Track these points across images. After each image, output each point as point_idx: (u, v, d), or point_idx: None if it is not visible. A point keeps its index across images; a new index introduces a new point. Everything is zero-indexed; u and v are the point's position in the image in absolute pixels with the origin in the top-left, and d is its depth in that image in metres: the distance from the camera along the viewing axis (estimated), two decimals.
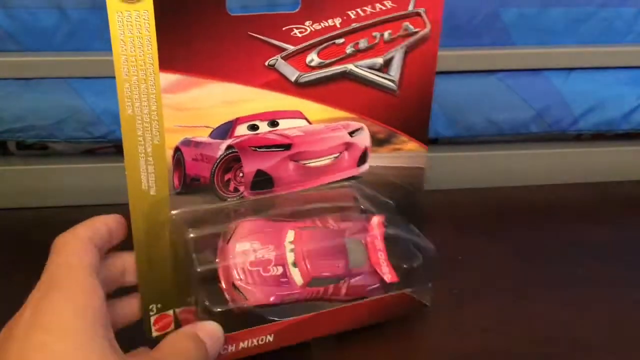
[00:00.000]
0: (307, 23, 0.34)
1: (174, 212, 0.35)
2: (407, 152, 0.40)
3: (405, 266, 0.36)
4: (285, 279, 0.34)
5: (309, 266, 0.34)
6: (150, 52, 0.31)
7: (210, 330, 0.32)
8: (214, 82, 0.33)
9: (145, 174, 0.33)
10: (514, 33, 0.53)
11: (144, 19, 0.30)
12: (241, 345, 0.34)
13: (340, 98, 0.37)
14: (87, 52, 0.49)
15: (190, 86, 0.33)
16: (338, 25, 0.35)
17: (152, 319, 0.36)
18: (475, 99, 0.54)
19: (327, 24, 0.35)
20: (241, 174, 0.36)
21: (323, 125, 0.37)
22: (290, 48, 0.34)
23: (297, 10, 0.34)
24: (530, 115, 0.55)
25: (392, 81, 0.37)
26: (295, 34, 0.34)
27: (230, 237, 0.35)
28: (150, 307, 0.36)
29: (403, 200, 0.40)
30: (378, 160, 0.39)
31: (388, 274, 0.35)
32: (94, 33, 0.48)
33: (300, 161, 0.37)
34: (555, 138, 0.59)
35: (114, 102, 0.48)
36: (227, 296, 0.33)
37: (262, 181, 0.37)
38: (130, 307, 0.35)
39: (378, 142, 0.39)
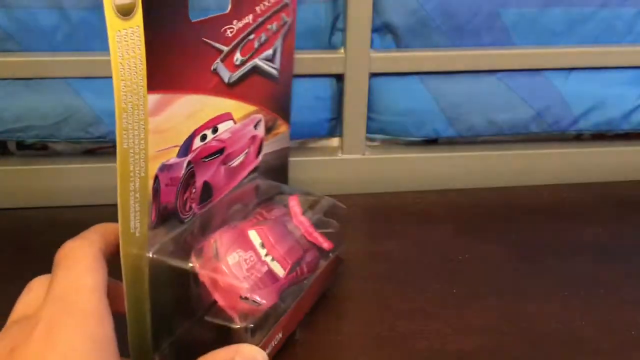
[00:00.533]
0: (234, 22, 0.34)
1: (150, 255, 0.31)
2: (281, 134, 0.42)
3: (327, 231, 0.39)
4: (272, 274, 0.35)
5: (284, 256, 0.36)
6: (142, 73, 0.27)
7: (249, 355, 0.28)
8: (181, 95, 0.31)
9: (133, 214, 0.29)
10: (514, 33, 0.53)
11: (136, 36, 0.26)
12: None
13: (250, 93, 0.38)
14: (87, 52, 0.49)
15: (165, 105, 0.30)
16: (251, 22, 0.36)
17: None
18: (475, 99, 0.54)
19: (245, 21, 0.35)
20: (194, 190, 0.35)
21: (240, 123, 0.38)
22: (225, 49, 0.34)
23: (227, 10, 0.34)
24: (530, 115, 0.55)
25: (276, 69, 0.40)
26: (227, 34, 0.34)
27: (217, 254, 0.34)
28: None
29: (278, 177, 0.43)
30: (265, 148, 0.41)
31: (324, 242, 0.38)
32: (94, 33, 0.48)
33: (227, 163, 0.37)
34: (555, 138, 0.59)
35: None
36: (230, 313, 0.33)
37: (206, 192, 0.36)
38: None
39: (267, 129, 0.41)
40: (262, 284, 0.34)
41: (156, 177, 0.31)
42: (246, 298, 0.33)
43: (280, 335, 0.35)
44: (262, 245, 0.35)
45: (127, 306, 0.30)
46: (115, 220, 0.29)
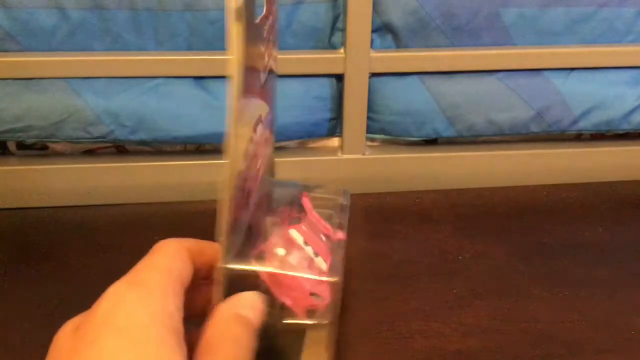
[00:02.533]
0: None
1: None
2: None
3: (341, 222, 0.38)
4: (321, 270, 0.35)
5: (324, 251, 0.36)
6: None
7: (249, 302, 0.30)
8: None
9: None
10: (514, 33, 0.53)
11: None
12: None
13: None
14: (87, 52, 0.49)
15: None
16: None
17: None
18: (475, 99, 0.54)
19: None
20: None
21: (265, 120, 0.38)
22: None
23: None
24: (530, 115, 0.55)
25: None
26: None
27: (278, 255, 0.34)
28: None
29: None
30: None
31: (339, 233, 0.37)
32: (94, 33, 0.48)
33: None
34: (555, 138, 0.59)
35: (114, 102, 0.48)
36: (296, 312, 0.33)
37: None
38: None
39: None
40: (322, 275, 0.34)
41: None
42: (315, 294, 0.33)
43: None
44: (305, 243, 0.35)
45: None
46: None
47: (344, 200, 0.40)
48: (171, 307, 0.26)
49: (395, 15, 0.50)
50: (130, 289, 0.26)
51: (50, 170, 0.52)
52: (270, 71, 0.36)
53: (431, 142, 0.58)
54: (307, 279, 0.33)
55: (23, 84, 0.49)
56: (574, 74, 0.55)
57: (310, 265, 0.34)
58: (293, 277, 0.32)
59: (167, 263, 0.28)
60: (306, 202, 0.38)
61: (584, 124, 0.56)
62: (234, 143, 0.27)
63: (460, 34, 0.52)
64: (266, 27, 0.33)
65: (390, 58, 0.52)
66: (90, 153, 0.55)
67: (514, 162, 0.57)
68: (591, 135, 0.60)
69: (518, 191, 0.57)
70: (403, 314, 0.40)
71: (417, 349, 0.37)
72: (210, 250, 0.30)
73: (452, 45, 0.53)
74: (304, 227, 0.36)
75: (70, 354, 0.25)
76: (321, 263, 0.35)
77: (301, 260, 0.34)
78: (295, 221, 0.37)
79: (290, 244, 0.35)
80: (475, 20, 0.52)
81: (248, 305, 0.30)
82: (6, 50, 0.48)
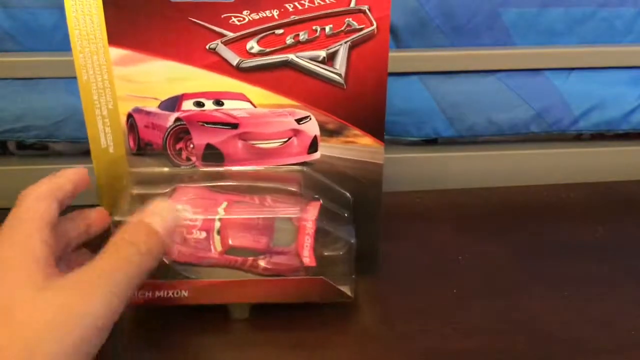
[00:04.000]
0: (244, 12, 0.36)
1: (132, 169, 0.39)
2: (362, 146, 0.40)
3: (326, 254, 0.38)
4: (207, 244, 0.37)
5: (230, 236, 0.37)
6: (100, 29, 0.36)
7: (157, 210, 0.33)
8: (159, 59, 0.37)
9: (104, 134, 0.39)
10: (514, 33, 0.53)
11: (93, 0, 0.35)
12: (157, 293, 0.37)
13: (283, 85, 0.38)
14: None
15: (138, 61, 0.37)
16: (276, 17, 0.37)
17: None
18: (475, 99, 0.54)
19: (264, 15, 0.37)
20: (191, 145, 0.39)
21: (268, 110, 0.39)
22: (230, 34, 0.37)
23: (233, 0, 0.36)
24: (530, 115, 0.55)
25: (338, 74, 0.38)
26: (233, 21, 0.36)
27: (167, 198, 0.38)
28: None
29: (359, 193, 0.41)
30: (331, 150, 0.40)
31: (307, 258, 0.37)
32: None
33: (249, 141, 0.40)
34: (555, 138, 0.59)
35: None
36: None
37: (213, 155, 0.40)
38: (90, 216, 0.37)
39: (328, 132, 0.40)
40: (183, 242, 0.37)
41: (130, 115, 0.39)
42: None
43: (186, 293, 0.37)
44: (220, 218, 0.37)
45: (101, 204, 0.39)
46: None
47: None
48: (35, 243, 0.30)
49: (395, 15, 0.50)
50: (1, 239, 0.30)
51: (50, 170, 0.52)
52: (293, 65, 0.38)
53: (431, 142, 0.58)
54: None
55: (23, 84, 0.49)
56: (574, 74, 0.55)
57: (187, 227, 0.37)
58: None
59: (32, 214, 0.31)
60: (310, 208, 0.38)
61: (584, 124, 0.56)
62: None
63: (460, 34, 0.52)
64: (247, 16, 0.37)
65: (390, 58, 0.52)
66: (90, 153, 0.55)
67: (514, 162, 0.57)
68: (591, 135, 0.60)
69: (518, 191, 0.56)
70: (403, 314, 0.40)
71: (417, 349, 0.37)
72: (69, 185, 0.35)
73: (452, 45, 0.53)
74: (240, 208, 0.38)
75: None
76: (216, 243, 0.37)
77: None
78: (246, 203, 0.38)
79: (205, 207, 0.38)
80: (475, 20, 0.52)
81: (154, 213, 0.32)
82: (6, 50, 0.48)
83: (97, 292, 0.28)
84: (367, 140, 0.40)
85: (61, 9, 0.47)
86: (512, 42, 0.53)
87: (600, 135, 0.59)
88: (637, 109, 0.56)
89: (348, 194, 0.41)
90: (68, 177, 0.35)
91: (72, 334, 0.27)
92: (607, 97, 0.55)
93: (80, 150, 0.55)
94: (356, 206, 0.41)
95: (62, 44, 0.49)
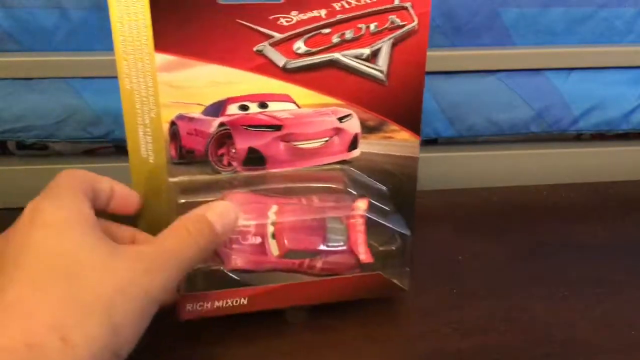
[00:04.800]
0: (292, 13, 0.36)
1: (171, 179, 0.38)
2: (400, 141, 0.41)
3: (381, 248, 0.38)
4: (263, 249, 0.36)
5: (285, 239, 0.37)
6: (146, 34, 0.35)
7: (220, 210, 0.33)
8: (205, 64, 0.37)
9: (145, 144, 0.38)
10: (514, 33, 0.53)
11: (139, 4, 0.35)
12: (216, 304, 0.36)
13: (327, 85, 0.39)
14: (87, 52, 0.49)
15: (183, 67, 0.36)
16: (323, 16, 0.37)
17: None
18: (475, 99, 0.54)
19: (312, 15, 0.37)
20: (234, 150, 0.39)
21: (312, 109, 0.39)
22: (278, 36, 0.37)
23: (282, 0, 0.36)
24: (530, 115, 0.55)
25: (380, 71, 0.39)
26: (281, 22, 0.36)
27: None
28: None
29: (395, 187, 0.42)
30: (369, 146, 0.41)
31: (363, 254, 0.37)
32: (94, 33, 0.48)
33: (291, 142, 0.40)
34: (555, 138, 0.59)
35: (114, 101, 0.48)
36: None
37: (255, 158, 0.39)
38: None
39: (368, 129, 0.40)
40: (240, 249, 0.36)
41: (173, 123, 0.37)
42: (215, 252, 0.36)
43: (245, 301, 0.36)
44: (273, 222, 0.37)
45: (139, 218, 0.37)
46: None
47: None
48: (82, 207, 0.31)
49: None
50: (45, 199, 0.31)
51: (50, 170, 0.52)
52: (338, 64, 0.39)
53: (431, 142, 0.58)
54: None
55: (23, 84, 0.49)
56: (574, 74, 0.55)
57: (242, 233, 0.36)
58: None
59: (70, 181, 0.32)
60: (357, 207, 0.38)
61: (584, 124, 0.56)
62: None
63: (460, 34, 0.52)
64: (295, 16, 0.37)
65: None
66: (90, 153, 0.55)
67: (514, 162, 0.57)
68: (591, 135, 0.60)
69: (518, 191, 0.56)
70: (403, 314, 0.40)
71: (417, 349, 0.37)
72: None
73: (452, 45, 0.53)
74: (290, 210, 0.37)
75: (4, 248, 0.29)
76: (273, 247, 0.37)
77: None
78: (296, 205, 0.38)
79: (254, 211, 0.37)
80: (475, 20, 0.52)
81: (217, 212, 0.33)
82: (6, 50, 0.48)
83: (159, 270, 0.30)
84: (404, 134, 0.41)
85: (61, 9, 0.48)
86: (512, 42, 0.53)
87: (600, 135, 0.59)
88: (637, 109, 0.56)
89: (385, 188, 0.41)
90: (112, 183, 0.35)
91: (137, 304, 0.28)
92: (607, 97, 0.55)
93: (80, 150, 0.55)
94: (392, 200, 0.41)
95: (62, 44, 0.49)
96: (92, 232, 0.29)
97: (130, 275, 0.28)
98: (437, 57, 0.52)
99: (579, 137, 0.60)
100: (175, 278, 0.31)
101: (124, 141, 0.52)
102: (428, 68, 0.53)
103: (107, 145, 0.54)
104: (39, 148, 0.54)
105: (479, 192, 0.56)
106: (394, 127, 0.41)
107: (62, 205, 0.30)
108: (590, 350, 0.38)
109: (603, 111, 0.56)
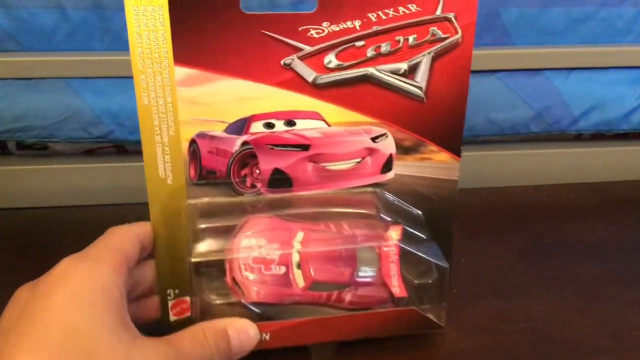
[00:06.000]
0: (324, 24, 0.34)
1: (190, 201, 0.36)
2: (438, 162, 0.38)
3: (417, 282, 0.36)
4: (287, 280, 0.34)
5: (312, 269, 0.34)
6: (165, 47, 0.32)
7: (242, 328, 0.32)
8: (228, 78, 0.34)
9: (162, 163, 0.35)
10: (514, 33, 0.53)
11: (159, 14, 0.32)
12: None
13: (360, 102, 0.36)
14: (87, 52, 0.49)
15: (204, 81, 0.34)
16: (358, 28, 0.34)
17: (170, 304, 0.36)
18: (475, 99, 0.54)
19: (345, 26, 0.34)
20: (258, 171, 0.36)
21: (343, 128, 0.36)
22: (307, 48, 0.34)
23: (314, 10, 0.33)
24: (530, 115, 0.55)
25: (419, 88, 0.36)
26: (312, 34, 0.34)
27: (238, 232, 0.35)
28: (168, 291, 0.36)
29: (431, 212, 0.38)
30: (405, 168, 0.38)
31: (397, 288, 0.34)
32: (94, 33, 0.48)
33: (320, 163, 0.37)
34: (555, 138, 0.59)
35: (114, 102, 0.48)
36: (230, 290, 0.34)
37: (280, 180, 0.37)
38: (152, 304, 0.36)
39: (404, 149, 0.37)
40: (262, 280, 0.34)
41: (193, 141, 0.35)
42: (235, 282, 0.34)
43: (267, 337, 0.34)
44: (298, 250, 0.34)
45: (156, 242, 0.35)
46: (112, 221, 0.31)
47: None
48: (117, 281, 0.29)
49: None
50: (82, 261, 0.29)
51: (50, 170, 0.52)
52: (373, 80, 0.36)
53: None
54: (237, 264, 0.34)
55: (23, 84, 0.49)
56: (574, 74, 0.55)
57: (265, 262, 0.34)
58: (230, 254, 0.34)
59: (117, 244, 0.31)
60: (390, 235, 0.35)
61: (584, 124, 0.56)
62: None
63: None
64: (327, 28, 0.34)
65: None
66: (90, 153, 0.55)
67: (514, 162, 0.57)
68: (591, 135, 0.60)
69: (518, 191, 0.56)
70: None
71: (417, 349, 0.37)
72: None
73: None
74: (317, 239, 0.35)
75: (25, 303, 0.27)
76: (298, 278, 0.34)
77: (255, 249, 0.34)
78: (324, 232, 0.36)
79: (279, 238, 0.35)
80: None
81: (238, 329, 0.32)
82: (6, 50, 0.48)
83: None
84: (443, 156, 0.38)
85: (61, 9, 0.48)
86: (512, 42, 0.53)
87: (600, 135, 0.59)
88: (637, 109, 0.56)
89: (420, 213, 0.38)
90: (149, 226, 0.35)
91: None
92: (607, 97, 0.55)
93: (80, 150, 0.55)
94: (428, 226, 0.38)
95: (62, 44, 0.49)
96: (118, 314, 0.28)
97: None
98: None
99: (579, 137, 0.60)
100: None
101: (124, 141, 0.52)
102: None
103: (107, 145, 0.54)
104: (39, 148, 0.54)
105: (479, 192, 0.56)
106: (433, 147, 0.37)
107: (97, 277, 0.28)
108: (590, 350, 0.38)
109: (603, 111, 0.56)
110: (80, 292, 0.27)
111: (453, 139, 0.38)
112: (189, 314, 0.36)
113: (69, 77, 0.49)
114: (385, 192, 0.38)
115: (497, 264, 0.46)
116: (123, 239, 0.32)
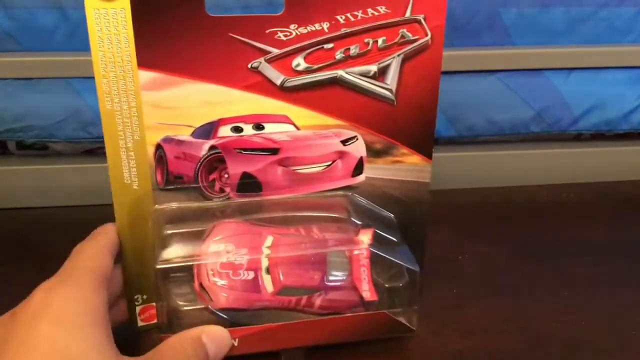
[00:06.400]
0: (292, 26, 0.33)
1: (157, 206, 0.35)
2: (409, 165, 0.38)
3: (387, 285, 0.36)
4: (256, 285, 0.34)
5: (281, 274, 0.34)
6: (128, 50, 0.32)
7: (215, 334, 0.32)
8: (194, 81, 0.33)
9: (127, 168, 0.34)
10: (514, 33, 0.53)
11: (121, 16, 0.31)
12: None
13: (329, 104, 0.36)
14: (87, 52, 0.48)
15: (170, 85, 0.33)
16: (326, 30, 0.34)
17: (138, 309, 0.37)
18: (475, 99, 0.54)
19: (314, 28, 0.34)
20: (226, 175, 0.36)
21: (312, 131, 0.36)
22: (275, 51, 0.34)
23: (280, 13, 0.33)
24: (530, 115, 0.55)
25: (389, 90, 0.36)
26: (279, 37, 0.33)
27: (206, 237, 0.34)
28: (136, 297, 0.36)
29: (404, 215, 0.39)
30: (376, 171, 0.38)
31: (367, 292, 0.34)
32: None
33: (290, 167, 0.37)
34: (555, 138, 0.59)
35: None
36: (196, 290, 0.34)
37: (249, 184, 0.36)
38: (120, 309, 0.36)
39: (375, 152, 0.37)
40: (231, 286, 0.33)
41: (159, 146, 0.34)
42: (203, 287, 0.34)
43: (236, 343, 0.34)
44: (267, 255, 0.34)
45: (123, 248, 0.35)
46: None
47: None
48: (99, 301, 0.29)
49: None
50: (62, 284, 0.29)
51: (50, 170, 0.52)
52: (343, 82, 0.35)
53: None
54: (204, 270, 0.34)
55: (23, 84, 0.49)
56: (574, 74, 0.55)
57: (234, 267, 0.34)
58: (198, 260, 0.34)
59: (91, 264, 0.30)
60: (361, 239, 0.35)
61: (584, 124, 0.56)
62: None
63: (459, 33, 0.52)
64: (294, 30, 0.34)
65: None
66: (90, 153, 0.55)
67: (514, 162, 0.57)
68: (591, 135, 0.60)
69: (518, 191, 0.57)
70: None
71: (417, 349, 0.37)
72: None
73: (452, 45, 0.53)
74: (286, 244, 0.35)
75: (7, 336, 0.27)
76: (267, 283, 0.34)
77: (223, 255, 0.34)
78: (292, 236, 0.35)
79: (248, 243, 0.35)
80: (475, 20, 0.52)
81: (214, 337, 0.32)
82: (6, 50, 0.48)
83: None
84: (414, 158, 0.38)
85: (61, 9, 0.48)
86: (512, 42, 0.53)
87: (600, 135, 0.59)
88: (637, 109, 0.56)
89: (392, 215, 0.38)
90: (115, 232, 0.34)
91: None
92: (607, 97, 0.55)
93: (80, 150, 0.55)
94: (400, 229, 0.38)
95: (62, 44, 0.49)
96: (105, 334, 0.28)
97: None
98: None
99: (578, 137, 0.60)
100: None
101: None
102: None
103: None
104: (39, 148, 0.54)
105: (479, 192, 0.56)
106: (404, 150, 0.37)
107: (80, 300, 0.28)
108: (590, 350, 0.38)
109: (603, 111, 0.56)
110: (66, 316, 0.27)
111: (424, 141, 0.38)
112: (156, 320, 0.36)
113: (69, 77, 0.49)
114: (357, 196, 0.38)
115: (497, 264, 0.46)
116: (96, 258, 0.31)
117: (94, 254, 0.31)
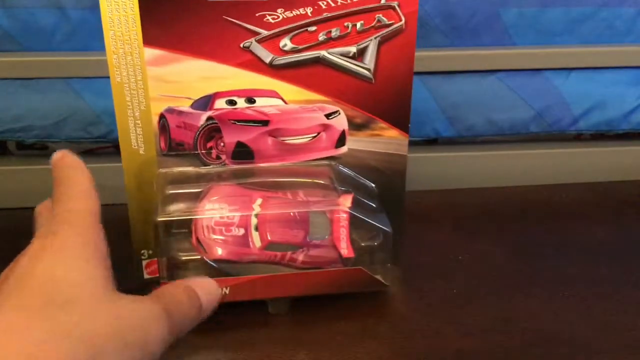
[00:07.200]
0: (279, 11, 0.37)
1: (161, 170, 0.39)
2: (388, 138, 0.42)
3: (363, 244, 0.39)
4: (246, 241, 0.37)
5: (268, 232, 0.38)
6: (135, 29, 0.36)
7: (206, 286, 0.34)
8: (193, 59, 0.38)
9: (135, 135, 0.39)
10: (514, 33, 0.53)
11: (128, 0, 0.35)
12: None
13: (314, 81, 0.39)
14: (87, 52, 0.49)
15: (171, 61, 0.37)
16: (309, 14, 0.38)
17: (144, 263, 0.41)
18: (475, 99, 0.54)
19: (298, 12, 0.38)
20: (222, 144, 0.40)
21: (299, 106, 0.40)
22: (264, 32, 0.38)
23: None
24: (530, 115, 0.55)
25: (368, 69, 0.39)
26: (268, 20, 0.37)
27: (203, 197, 0.38)
28: (142, 252, 0.41)
29: (383, 184, 0.42)
30: (357, 143, 0.41)
31: (345, 249, 0.38)
32: (94, 33, 0.48)
33: (279, 137, 0.41)
34: (555, 138, 0.59)
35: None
36: (193, 243, 0.38)
37: (243, 152, 0.40)
38: None
39: (356, 126, 0.41)
40: (223, 240, 0.37)
41: (162, 116, 0.38)
42: (199, 241, 0.37)
43: (227, 290, 0.37)
44: (256, 214, 0.38)
45: (130, 207, 0.40)
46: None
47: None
48: (98, 237, 0.30)
49: None
50: (64, 226, 0.30)
51: (50, 170, 0.52)
52: (325, 62, 0.39)
53: (431, 142, 0.58)
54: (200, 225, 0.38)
55: (23, 84, 0.49)
56: (574, 74, 0.55)
57: (226, 225, 0.38)
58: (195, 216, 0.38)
59: (85, 205, 0.32)
60: (342, 202, 0.39)
61: (584, 124, 0.56)
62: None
63: (459, 33, 0.52)
64: (282, 14, 0.38)
65: None
66: (90, 153, 0.55)
67: (514, 162, 0.57)
68: (591, 135, 0.60)
69: (518, 191, 0.57)
70: (403, 314, 0.40)
71: (417, 349, 0.37)
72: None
73: (451, 45, 0.53)
74: (274, 204, 0.38)
75: (9, 272, 0.29)
76: (255, 239, 0.38)
77: (217, 212, 0.38)
78: (279, 198, 0.39)
79: (240, 203, 0.38)
80: (474, 20, 0.52)
81: (205, 288, 0.33)
82: (6, 50, 0.48)
83: (152, 329, 0.29)
84: (393, 132, 0.41)
85: (61, 9, 0.48)
86: (512, 42, 0.53)
87: (600, 135, 0.60)
88: (637, 109, 0.56)
89: (373, 185, 0.42)
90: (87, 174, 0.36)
91: (128, 354, 0.27)
92: (607, 97, 0.55)
93: (80, 150, 0.55)
94: (381, 197, 0.41)
95: (62, 44, 0.49)
96: (100, 265, 0.29)
97: (123, 327, 0.27)
98: (437, 57, 0.52)
99: (578, 137, 0.60)
100: (168, 341, 0.30)
101: None
102: (428, 68, 0.53)
103: (107, 145, 0.54)
104: (39, 148, 0.54)
105: (479, 192, 0.56)
106: (382, 124, 0.41)
107: (77, 233, 0.30)
108: (590, 350, 0.38)
109: (603, 111, 0.56)
110: (66, 252, 0.28)
111: (401, 117, 0.41)
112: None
113: (69, 77, 0.49)
114: (340, 165, 0.42)
115: (497, 264, 0.46)
116: (86, 195, 0.33)
117: (81, 196, 0.33)
